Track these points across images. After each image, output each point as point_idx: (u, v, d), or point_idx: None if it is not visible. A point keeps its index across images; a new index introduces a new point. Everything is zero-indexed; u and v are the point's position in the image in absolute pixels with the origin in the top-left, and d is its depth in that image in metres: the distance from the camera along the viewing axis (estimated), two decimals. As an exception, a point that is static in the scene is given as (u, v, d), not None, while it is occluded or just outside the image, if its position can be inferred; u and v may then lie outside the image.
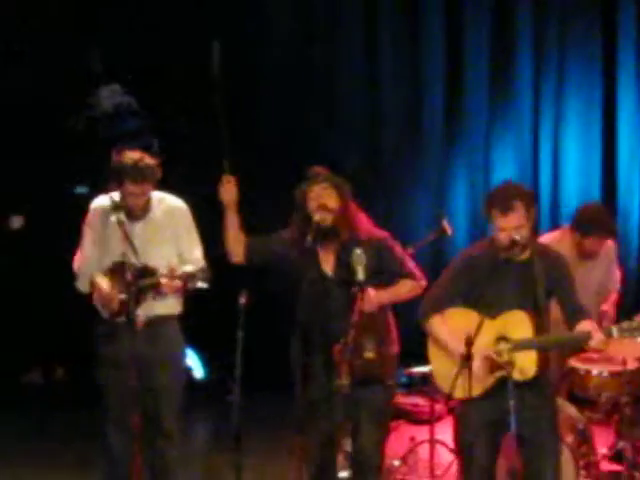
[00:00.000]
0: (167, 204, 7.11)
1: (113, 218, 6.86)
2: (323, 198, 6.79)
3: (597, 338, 6.27)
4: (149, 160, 6.94)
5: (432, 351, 6.70)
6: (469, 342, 6.14)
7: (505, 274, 6.48)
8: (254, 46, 11.34)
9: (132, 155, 6.96)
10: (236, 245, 6.94)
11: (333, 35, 11.51)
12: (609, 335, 6.26)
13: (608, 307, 8.16)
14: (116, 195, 6.91)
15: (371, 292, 6.70)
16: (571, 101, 10.83)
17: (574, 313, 6.47)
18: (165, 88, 10.87)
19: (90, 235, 7.09)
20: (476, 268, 6.57)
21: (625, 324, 6.32)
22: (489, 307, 6.38)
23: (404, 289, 6.92)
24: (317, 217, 6.73)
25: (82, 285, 7.06)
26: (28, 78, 10.82)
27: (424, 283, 6.93)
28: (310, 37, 11.44)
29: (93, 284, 6.91)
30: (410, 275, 6.94)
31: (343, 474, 7.00)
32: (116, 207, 6.90)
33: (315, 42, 11.51)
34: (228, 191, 6.86)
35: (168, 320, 7.03)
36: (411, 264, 7.00)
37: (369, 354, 6.77)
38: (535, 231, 6.85)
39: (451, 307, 6.62)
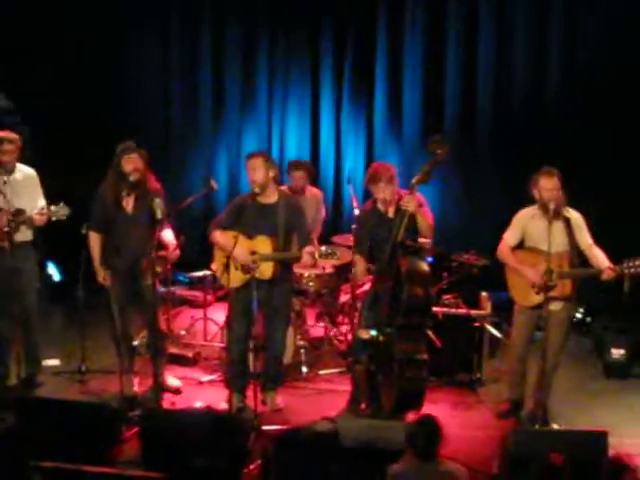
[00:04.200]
0: (24, 171, 7.78)
1: None
2: (136, 162, 7.44)
3: (305, 257, 7.15)
4: (13, 135, 7.64)
5: (216, 254, 7.41)
6: (230, 252, 6.91)
7: (260, 211, 7.23)
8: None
9: (3, 132, 7.71)
10: None
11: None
12: (314, 257, 7.13)
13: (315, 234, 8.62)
14: None
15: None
16: (291, 101, 11.16)
17: (304, 242, 7.25)
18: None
19: None
20: (243, 206, 7.23)
21: (324, 249, 7.21)
22: (248, 232, 7.16)
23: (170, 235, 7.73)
24: (132, 177, 7.35)
25: None
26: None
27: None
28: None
29: None
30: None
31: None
32: None
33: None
34: None
35: (27, 243, 7.74)
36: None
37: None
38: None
39: (227, 229, 7.25)
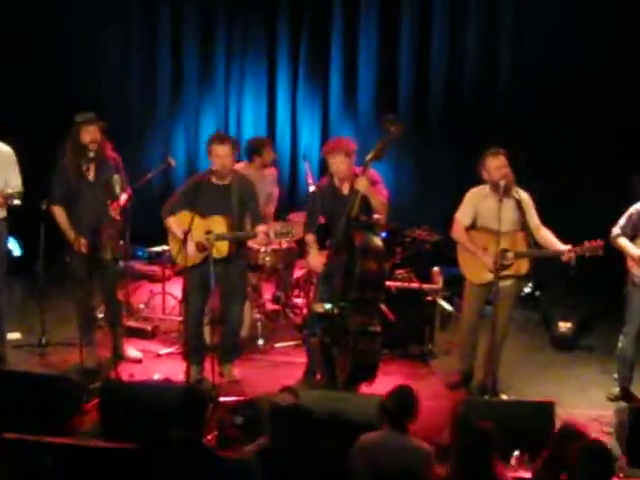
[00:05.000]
0: None
1: None
2: (94, 134, 7.37)
3: (260, 237, 7.15)
4: None
5: (170, 237, 7.45)
6: (186, 231, 6.94)
7: (214, 191, 7.24)
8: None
9: None
10: None
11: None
12: (268, 236, 7.07)
13: (270, 211, 8.76)
14: None
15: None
16: (248, 81, 11.19)
17: (256, 221, 7.29)
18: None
19: None
20: (198, 186, 7.17)
21: (278, 228, 7.06)
22: (203, 212, 7.13)
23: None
24: (90, 148, 7.29)
25: None
26: None
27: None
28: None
29: None
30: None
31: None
32: None
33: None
34: None
35: (0, 220, 7.56)
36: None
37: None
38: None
39: (181, 211, 7.25)
